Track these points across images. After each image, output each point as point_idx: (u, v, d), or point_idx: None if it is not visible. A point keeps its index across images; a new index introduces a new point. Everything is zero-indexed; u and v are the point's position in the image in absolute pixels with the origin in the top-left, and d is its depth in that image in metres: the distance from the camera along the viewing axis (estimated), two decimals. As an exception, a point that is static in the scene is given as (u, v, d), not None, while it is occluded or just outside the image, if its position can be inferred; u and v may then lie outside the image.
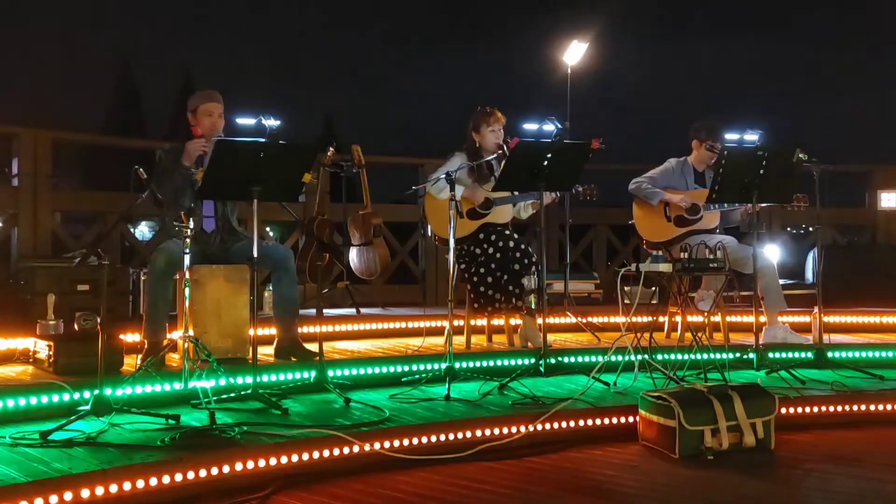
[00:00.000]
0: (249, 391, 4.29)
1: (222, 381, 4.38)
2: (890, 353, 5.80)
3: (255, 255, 4.38)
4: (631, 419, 4.40)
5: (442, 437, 4.03)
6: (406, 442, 3.92)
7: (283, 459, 3.62)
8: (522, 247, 5.57)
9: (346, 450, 3.77)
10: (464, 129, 5.85)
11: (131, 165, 4.31)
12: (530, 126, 7.37)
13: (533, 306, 5.60)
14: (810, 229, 9.24)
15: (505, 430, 4.15)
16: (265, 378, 4.58)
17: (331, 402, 4.47)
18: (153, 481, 3.27)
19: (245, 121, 6.31)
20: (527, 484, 3.65)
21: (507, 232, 5.69)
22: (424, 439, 3.98)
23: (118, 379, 4.19)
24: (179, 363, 4.34)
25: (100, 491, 3.13)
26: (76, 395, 4.06)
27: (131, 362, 4.58)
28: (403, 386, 4.84)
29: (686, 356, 5.11)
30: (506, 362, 5.30)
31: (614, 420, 4.42)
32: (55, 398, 4.06)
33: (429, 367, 5.05)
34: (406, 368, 5.08)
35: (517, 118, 6.96)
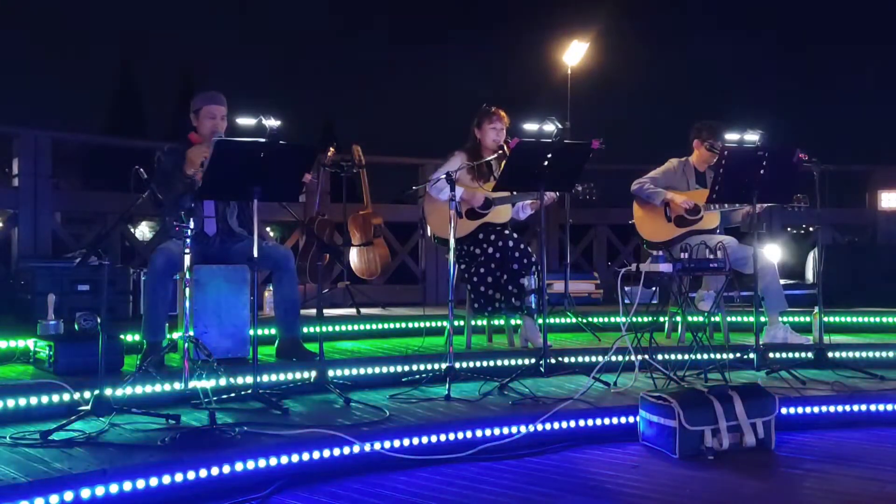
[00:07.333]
0: (249, 391, 4.30)
1: (222, 381, 4.39)
2: (890, 353, 5.80)
3: (256, 255, 4.38)
4: (631, 419, 4.40)
5: (442, 437, 4.02)
6: (406, 442, 3.92)
7: (283, 459, 3.62)
8: (522, 246, 5.57)
9: (346, 450, 3.77)
10: (466, 129, 5.85)
11: (131, 165, 4.30)
12: (530, 126, 7.38)
13: (533, 306, 5.60)
14: (810, 229, 9.25)
15: (505, 430, 4.15)
16: (265, 378, 4.58)
17: (331, 402, 4.47)
18: (153, 481, 3.26)
19: (245, 121, 6.31)
20: (527, 484, 3.65)
21: (507, 231, 5.68)
22: (424, 439, 3.98)
23: (118, 379, 4.19)
24: (179, 363, 4.34)
25: (100, 491, 3.13)
26: (76, 395, 4.06)
27: (131, 362, 4.58)
28: (403, 386, 4.84)
29: (686, 356, 5.11)
30: (506, 362, 5.30)
31: (614, 420, 4.42)
32: (55, 398, 4.06)
33: (429, 367, 5.05)
34: (406, 368, 5.08)
35: (517, 118, 6.96)
